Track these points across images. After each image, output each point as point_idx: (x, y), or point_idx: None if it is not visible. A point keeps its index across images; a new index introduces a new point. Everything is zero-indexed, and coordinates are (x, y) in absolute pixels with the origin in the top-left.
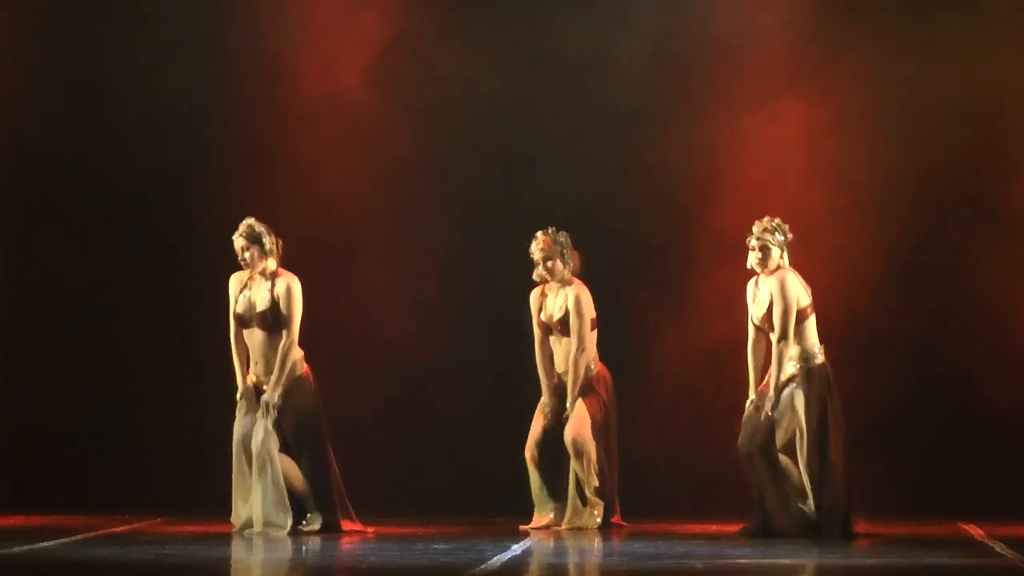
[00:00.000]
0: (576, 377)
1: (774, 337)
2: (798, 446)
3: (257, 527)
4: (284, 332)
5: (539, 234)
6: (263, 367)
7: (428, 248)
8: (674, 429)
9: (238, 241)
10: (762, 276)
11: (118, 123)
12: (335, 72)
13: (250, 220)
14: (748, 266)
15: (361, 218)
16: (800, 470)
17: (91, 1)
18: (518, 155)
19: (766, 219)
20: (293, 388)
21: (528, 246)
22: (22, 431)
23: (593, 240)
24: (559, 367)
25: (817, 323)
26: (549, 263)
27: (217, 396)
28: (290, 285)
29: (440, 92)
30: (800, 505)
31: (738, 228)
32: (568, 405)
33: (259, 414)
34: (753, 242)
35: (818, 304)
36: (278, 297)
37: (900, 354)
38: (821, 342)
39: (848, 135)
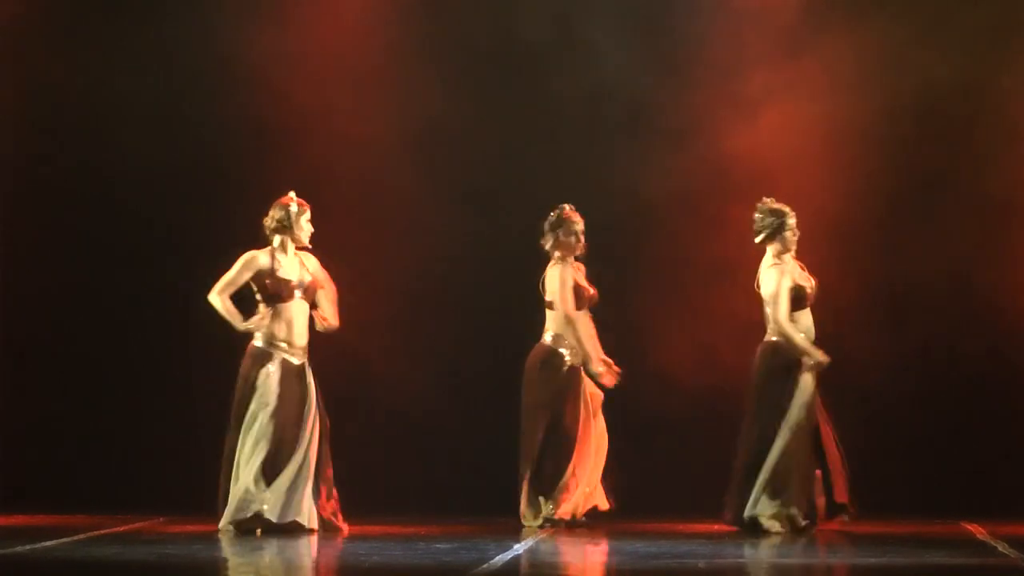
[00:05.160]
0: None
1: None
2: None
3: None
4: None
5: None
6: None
7: (428, 247)
8: (677, 428)
9: (307, 211)
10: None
11: (119, 127)
12: (333, 73)
13: None
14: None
15: (360, 218)
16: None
17: (89, 5)
18: (517, 154)
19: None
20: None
21: (527, 244)
22: (23, 431)
23: (596, 240)
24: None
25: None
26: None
27: (218, 396)
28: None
29: (437, 92)
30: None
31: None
32: None
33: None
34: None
35: (818, 302)
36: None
37: (899, 353)
38: (820, 342)
39: (849, 132)
